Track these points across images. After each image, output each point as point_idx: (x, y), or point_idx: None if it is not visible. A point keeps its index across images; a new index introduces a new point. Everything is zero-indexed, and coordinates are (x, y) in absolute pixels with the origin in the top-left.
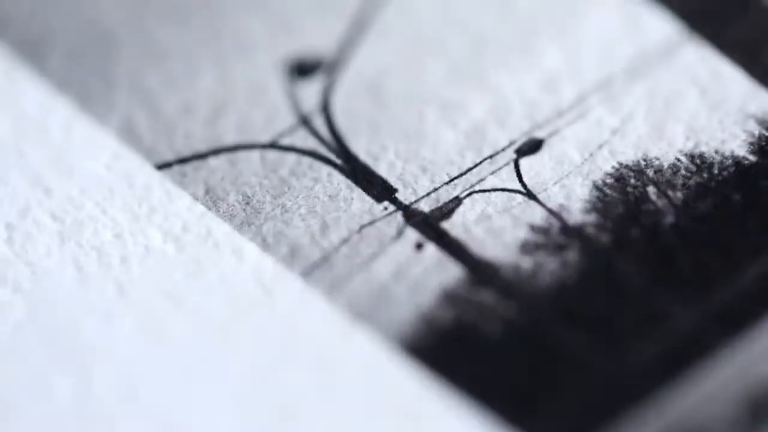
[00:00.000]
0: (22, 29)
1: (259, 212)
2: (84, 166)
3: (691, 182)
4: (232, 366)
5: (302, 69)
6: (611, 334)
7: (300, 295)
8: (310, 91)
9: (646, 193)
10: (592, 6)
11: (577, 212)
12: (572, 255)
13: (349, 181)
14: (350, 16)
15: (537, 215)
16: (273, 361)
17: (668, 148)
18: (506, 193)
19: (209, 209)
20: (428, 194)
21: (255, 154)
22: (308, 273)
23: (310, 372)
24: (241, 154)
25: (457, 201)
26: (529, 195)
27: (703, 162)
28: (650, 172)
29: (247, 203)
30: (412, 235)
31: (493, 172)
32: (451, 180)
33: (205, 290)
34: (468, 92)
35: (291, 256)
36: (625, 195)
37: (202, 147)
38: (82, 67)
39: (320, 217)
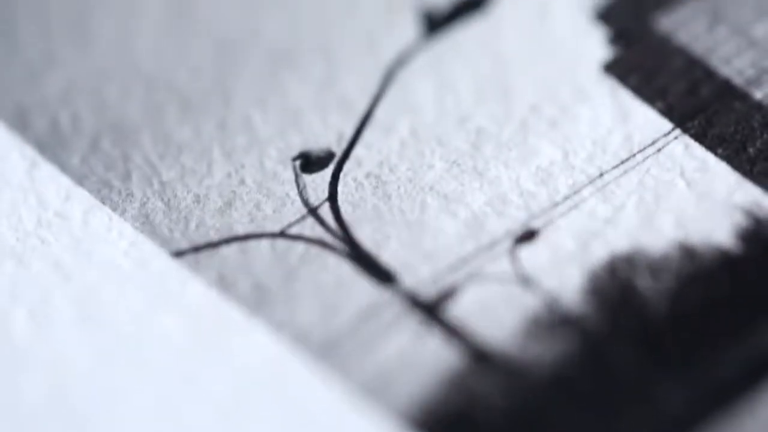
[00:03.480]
0: (44, 125)
1: (268, 298)
2: (102, 254)
3: (681, 271)
4: None
5: (310, 162)
6: (606, 416)
7: (308, 378)
8: (317, 183)
9: (637, 281)
10: (584, 103)
11: (571, 299)
12: (567, 340)
13: (354, 269)
14: (355, 112)
15: (533, 302)
16: None
17: (658, 237)
18: (504, 281)
19: (221, 295)
20: (430, 281)
21: (265, 243)
22: (315, 356)
23: None
24: (252, 243)
25: (457, 288)
26: (526, 282)
27: (691, 251)
28: (641, 261)
29: (258, 289)
30: (414, 320)
31: (491, 260)
32: (452, 268)
33: (218, 372)
34: (467, 184)
35: (299, 340)
36: (617, 283)
37: (214, 236)
38: (101, 160)
39: (327, 302)
